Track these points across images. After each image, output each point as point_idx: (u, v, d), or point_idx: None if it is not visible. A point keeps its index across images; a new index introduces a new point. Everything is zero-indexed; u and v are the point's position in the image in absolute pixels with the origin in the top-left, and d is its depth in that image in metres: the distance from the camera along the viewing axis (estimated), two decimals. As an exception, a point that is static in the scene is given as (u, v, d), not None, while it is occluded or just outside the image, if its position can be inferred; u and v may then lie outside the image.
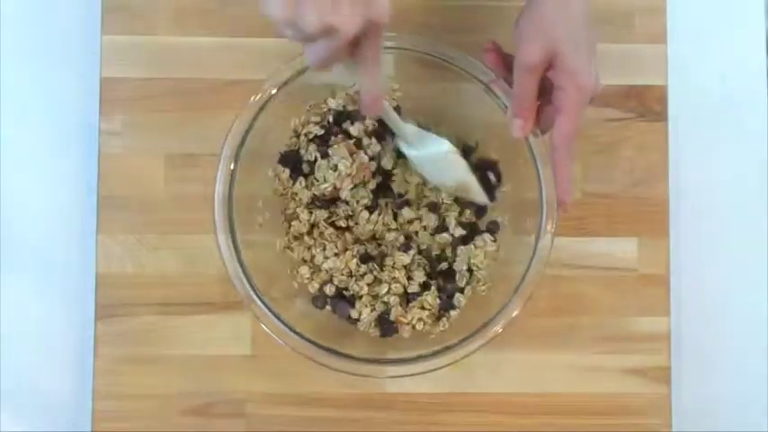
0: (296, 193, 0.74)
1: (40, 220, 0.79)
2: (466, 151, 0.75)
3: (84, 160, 0.79)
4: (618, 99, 0.80)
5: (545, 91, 0.66)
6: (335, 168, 0.73)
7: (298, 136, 0.75)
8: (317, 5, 0.52)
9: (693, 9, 0.83)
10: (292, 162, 0.75)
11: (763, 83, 0.83)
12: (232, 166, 0.69)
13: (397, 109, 0.75)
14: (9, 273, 0.78)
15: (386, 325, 0.73)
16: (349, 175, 0.72)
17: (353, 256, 0.73)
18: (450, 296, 0.74)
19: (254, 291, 0.68)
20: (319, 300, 0.74)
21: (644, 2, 0.81)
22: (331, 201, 0.74)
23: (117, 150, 0.78)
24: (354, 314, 0.74)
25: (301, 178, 0.74)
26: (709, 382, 0.80)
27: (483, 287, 0.74)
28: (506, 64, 0.69)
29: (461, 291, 0.74)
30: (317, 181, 0.74)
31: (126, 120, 0.78)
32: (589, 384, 0.78)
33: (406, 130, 0.70)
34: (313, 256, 0.74)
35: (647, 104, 0.80)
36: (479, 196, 0.73)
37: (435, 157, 0.72)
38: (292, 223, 0.75)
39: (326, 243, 0.74)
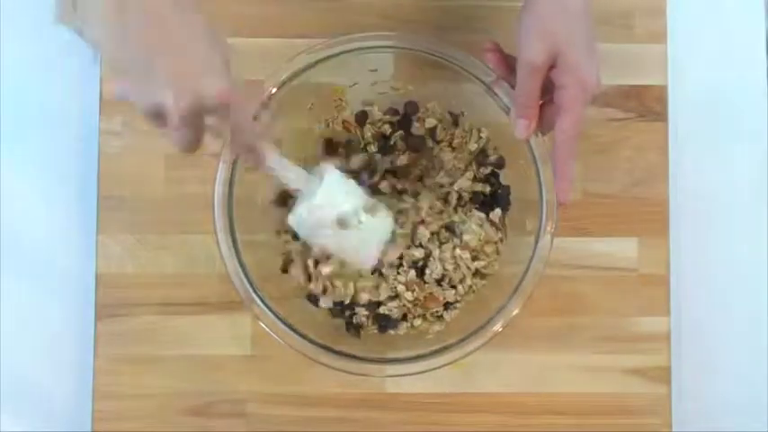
0: None
1: (40, 220, 0.79)
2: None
3: (85, 160, 0.79)
4: (618, 99, 0.80)
5: (547, 91, 0.66)
6: None
7: None
8: (141, 86, 0.53)
9: (693, 9, 0.83)
10: None
11: (763, 83, 0.83)
12: (232, 166, 0.69)
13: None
14: (9, 273, 0.78)
15: (383, 322, 0.74)
16: None
17: None
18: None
19: (254, 290, 0.68)
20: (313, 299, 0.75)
21: (644, 2, 0.81)
22: None
23: (117, 150, 0.78)
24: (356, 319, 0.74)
25: None
26: (710, 382, 0.80)
27: (483, 282, 0.74)
28: (507, 64, 0.69)
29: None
30: None
31: (126, 120, 0.78)
32: (589, 384, 0.78)
33: (293, 172, 0.64)
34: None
35: (647, 104, 0.80)
36: (388, 225, 0.68)
37: (326, 190, 0.64)
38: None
39: None
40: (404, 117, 0.77)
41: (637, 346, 0.78)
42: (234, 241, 0.69)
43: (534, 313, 0.74)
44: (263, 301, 0.68)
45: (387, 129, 0.77)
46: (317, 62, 0.70)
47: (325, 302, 0.74)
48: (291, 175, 0.63)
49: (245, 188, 0.70)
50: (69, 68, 0.80)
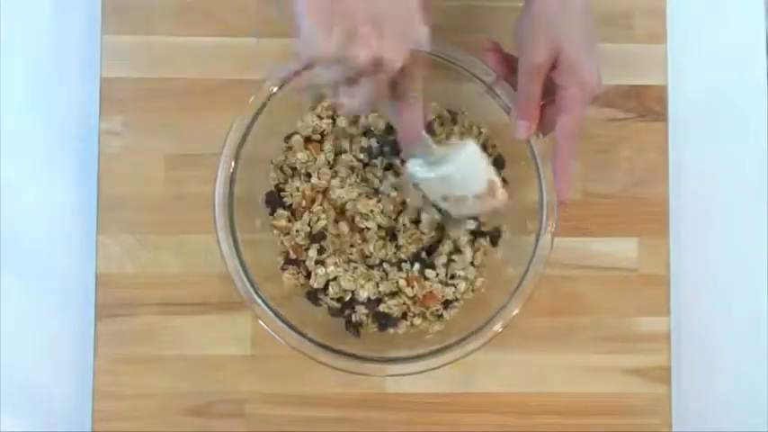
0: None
1: (40, 221, 0.79)
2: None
3: (85, 160, 0.79)
4: (618, 99, 0.80)
5: (548, 92, 0.66)
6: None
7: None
8: (366, 39, 0.51)
9: (693, 9, 0.83)
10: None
11: (763, 83, 0.83)
12: (232, 166, 0.69)
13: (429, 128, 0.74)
14: (9, 273, 0.78)
15: (383, 321, 0.74)
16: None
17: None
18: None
19: (255, 290, 0.68)
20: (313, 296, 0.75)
21: (644, 2, 0.81)
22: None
23: (117, 150, 0.78)
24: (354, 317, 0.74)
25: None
26: (710, 382, 0.80)
27: (480, 282, 0.74)
28: (508, 64, 0.69)
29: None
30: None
31: (126, 120, 0.78)
32: (589, 384, 0.78)
33: (437, 152, 0.67)
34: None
35: (647, 104, 0.80)
36: (502, 195, 0.69)
37: (463, 165, 0.67)
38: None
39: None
40: None
41: (637, 346, 0.78)
42: (234, 240, 0.69)
43: (534, 313, 0.74)
44: (263, 300, 0.68)
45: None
46: None
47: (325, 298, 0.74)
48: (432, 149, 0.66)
49: (245, 188, 0.70)
50: (69, 69, 0.80)
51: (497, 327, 0.68)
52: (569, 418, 0.77)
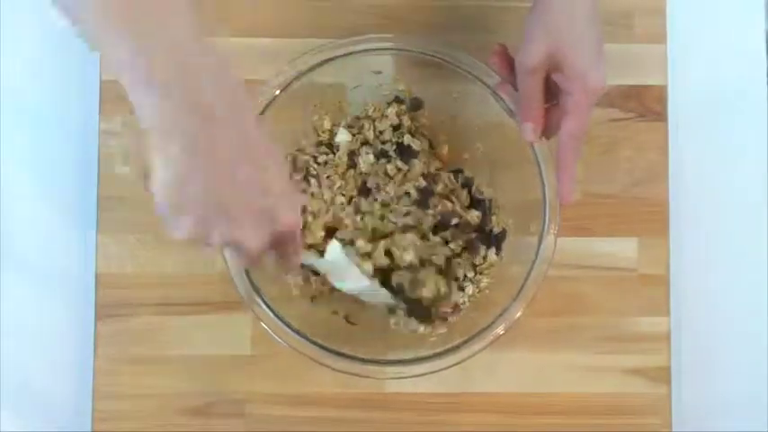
0: None
1: (40, 220, 0.79)
2: (464, 184, 0.76)
3: (84, 160, 0.79)
4: (618, 99, 0.80)
5: (552, 95, 0.66)
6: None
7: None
8: (220, 229, 0.53)
9: (693, 9, 0.83)
10: None
11: (763, 83, 0.83)
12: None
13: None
14: (9, 273, 0.78)
15: (420, 312, 0.73)
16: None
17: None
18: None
19: (255, 290, 0.68)
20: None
21: (644, 2, 0.81)
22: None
23: (117, 150, 0.78)
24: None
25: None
26: (709, 382, 0.80)
27: (486, 284, 0.74)
28: (512, 66, 0.69)
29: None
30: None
31: (126, 120, 0.78)
32: (589, 384, 0.78)
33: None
34: None
35: (647, 104, 0.80)
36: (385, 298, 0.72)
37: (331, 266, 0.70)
38: None
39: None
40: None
41: (637, 346, 0.78)
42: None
43: (535, 313, 0.74)
44: (264, 301, 0.68)
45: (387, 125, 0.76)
46: (320, 63, 0.70)
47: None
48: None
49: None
50: (69, 68, 0.80)
51: (500, 329, 0.68)
52: (569, 418, 0.77)
